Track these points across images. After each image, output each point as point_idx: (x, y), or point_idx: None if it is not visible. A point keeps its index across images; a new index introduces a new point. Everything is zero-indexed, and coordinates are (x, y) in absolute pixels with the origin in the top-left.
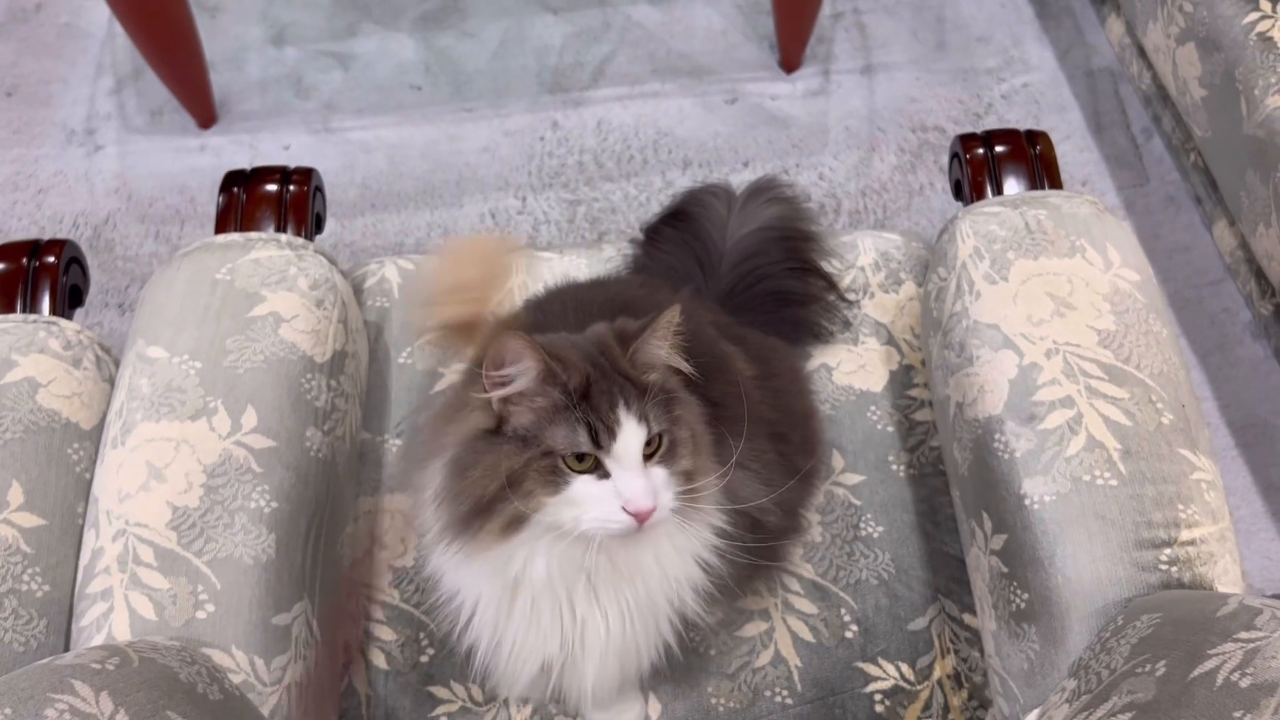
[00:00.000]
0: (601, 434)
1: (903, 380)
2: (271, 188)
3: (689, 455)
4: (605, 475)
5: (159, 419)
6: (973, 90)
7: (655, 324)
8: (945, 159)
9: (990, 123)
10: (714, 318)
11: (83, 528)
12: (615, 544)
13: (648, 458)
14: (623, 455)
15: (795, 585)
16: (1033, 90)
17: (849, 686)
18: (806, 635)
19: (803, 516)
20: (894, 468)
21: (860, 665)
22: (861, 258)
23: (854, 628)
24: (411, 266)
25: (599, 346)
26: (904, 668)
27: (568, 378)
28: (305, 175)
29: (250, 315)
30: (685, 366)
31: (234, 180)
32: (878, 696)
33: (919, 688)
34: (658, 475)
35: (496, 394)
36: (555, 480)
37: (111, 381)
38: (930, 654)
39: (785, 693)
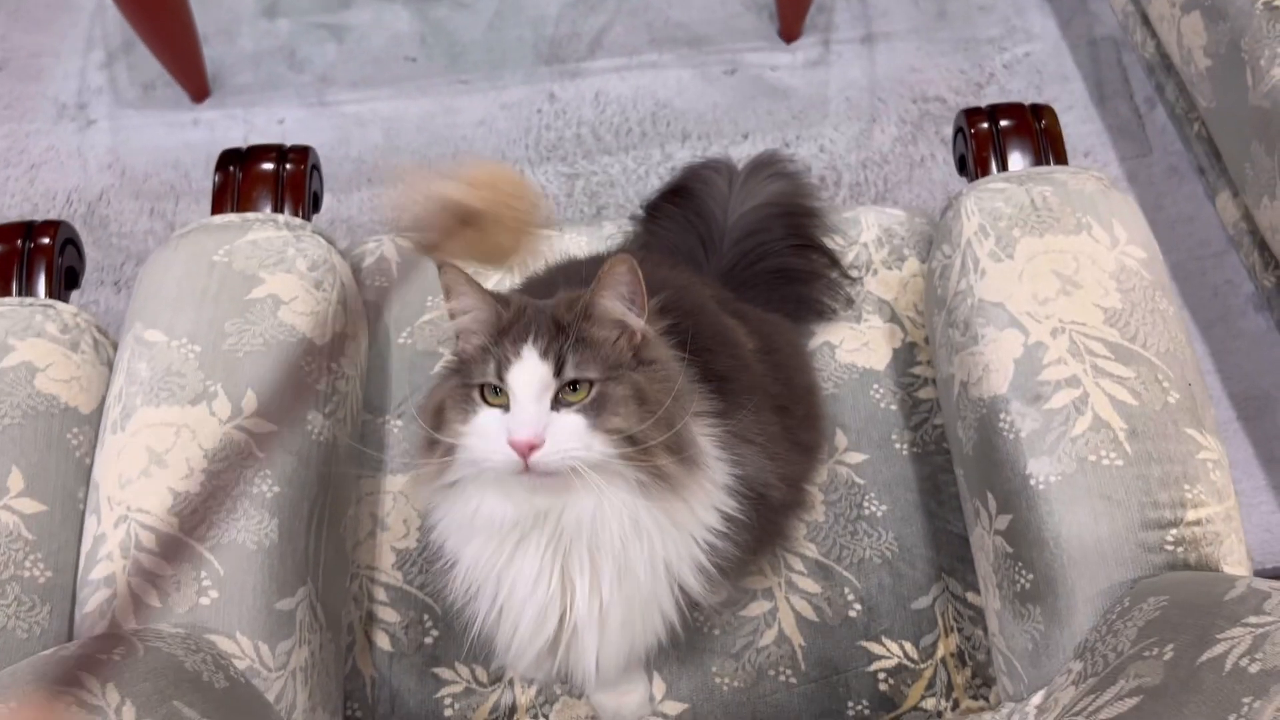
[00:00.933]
0: (504, 365)
1: (906, 358)
2: (268, 167)
3: (628, 416)
4: (508, 411)
5: (159, 403)
6: (974, 60)
7: (600, 276)
8: (946, 130)
9: (992, 93)
10: (714, 292)
11: (84, 513)
12: (548, 497)
13: (568, 404)
14: (517, 387)
15: (798, 565)
16: (1035, 60)
17: (853, 665)
18: (810, 614)
19: (806, 491)
20: (897, 446)
21: (864, 644)
22: (864, 234)
23: (857, 607)
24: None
25: (558, 300)
26: (908, 646)
27: (501, 315)
28: (302, 154)
29: (249, 298)
30: (635, 321)
31: (229, 159)
32: (881, 675)
33: (923, 666)
34: (567, 420)
35: (454, 325)
36: (467, 409)
37: (110, 365)
38: (934, 632)
39: (789, 672)
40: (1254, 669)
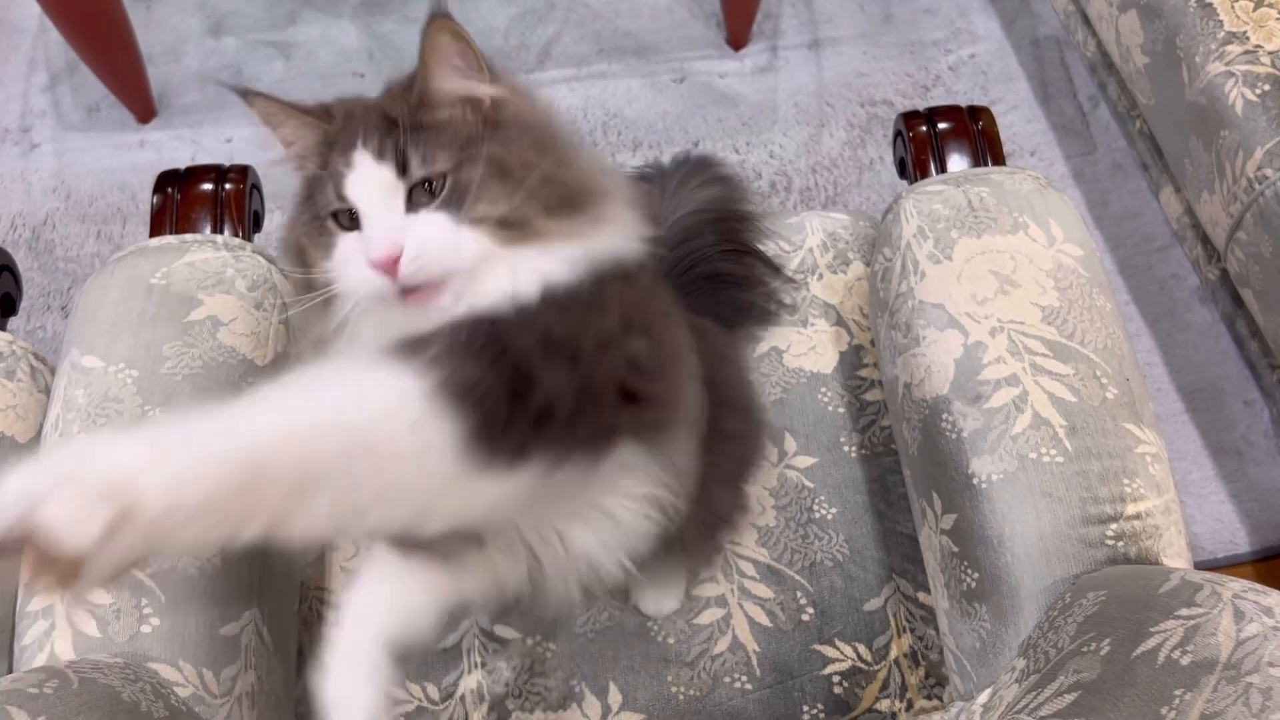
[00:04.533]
0: (341, 180)
1: (853, 361)
2: (207, 187)
3: (493, 199)
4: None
5: (96, 430)
6: (920, 63)
7: (427, 50)
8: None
9: (938, 95)
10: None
11: None
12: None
13: (424, 205)
14: (358, 199)
15: (750, 570)
16: (980, 61)
17: (807, 669)
18: (763, 620)
19: (745, 493)
20: (846, 449)
21: (818, 648)
22: (809, 239)
23: (810, 610)
24: None
25: (384, 91)
26: (861, 648)
27: (329, 130)
28: (241, 173)
29: (187, 320)
30: (483, 89)
31: (168, 180)
32: (836, 678)
33: (876, 668)
34: (427, 222)
35: (288, 155)
36: (324, 241)
37: (48, 392)
38: (886, 634)
39: (744, 678)
40: (1185, 661)
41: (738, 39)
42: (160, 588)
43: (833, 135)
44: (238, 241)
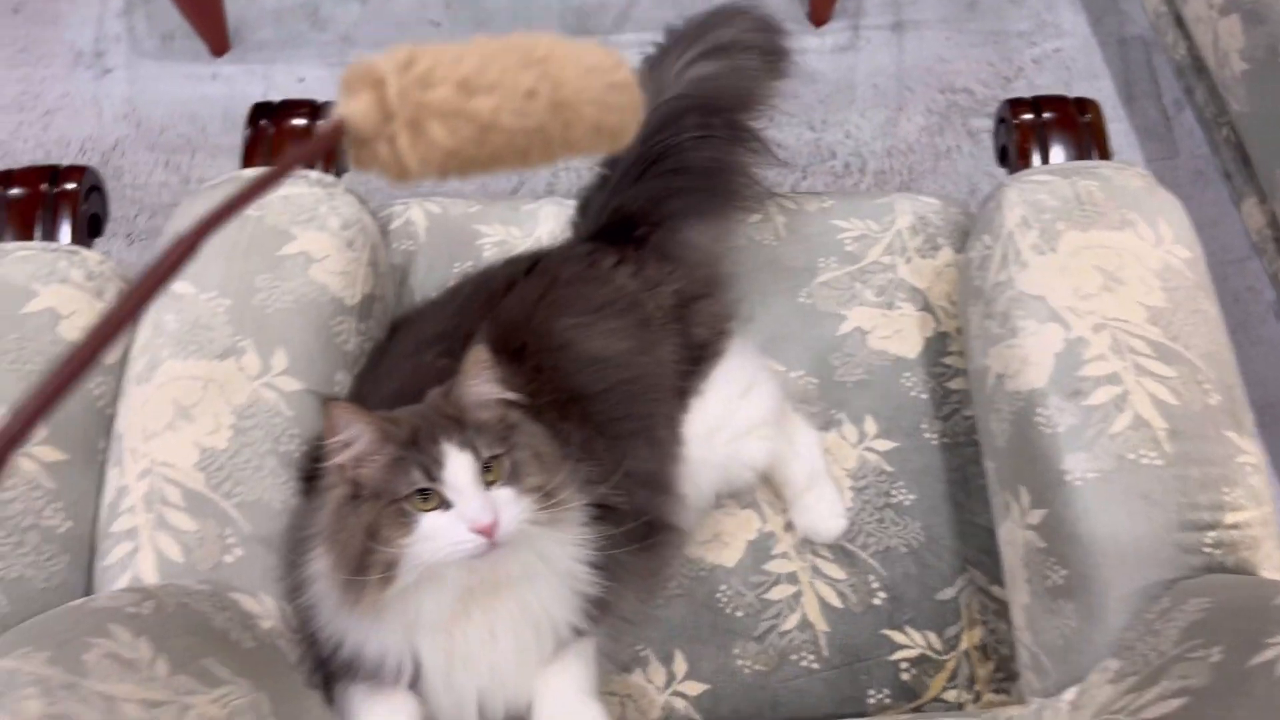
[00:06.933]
0: (432, 468)
1: (937, 348)
2: (299, 122)
3: (538, 473)
4: (449, 507)
5: (186, 357)
6: (1003, 53)
7: (464, 369)
8: (973, 122)
9: (1020, 87)
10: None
11: (103, 464)
12: (489, 565)
13: (491, 483)
14: (456, 482)
15: (824, 550)
16: (1064, 56)
17: (875, 654)
18: (834, 601)
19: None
20: (927, 436)
21: (887, 633)
22: (899, 220)
23: (882, 595)
24: (439, 210)
25: (428, 403)
26: (931, 637)
27: (398, 431)
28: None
29: (280, 254)
30: (509, 395)
31: (261, 113)
32: (904, 665)
33: (946, 658)
34: (502, 495)
35: (342, 458)
36: (406, 522)
37: None
38: (958, 624)
39: (811, 657)
40: None
41: (819, 15)
42: (245, 518)
43: (910, 120)
44: (331, 179)
